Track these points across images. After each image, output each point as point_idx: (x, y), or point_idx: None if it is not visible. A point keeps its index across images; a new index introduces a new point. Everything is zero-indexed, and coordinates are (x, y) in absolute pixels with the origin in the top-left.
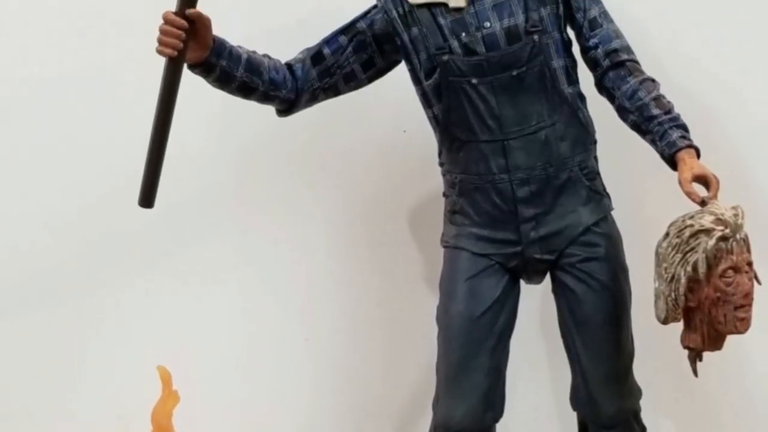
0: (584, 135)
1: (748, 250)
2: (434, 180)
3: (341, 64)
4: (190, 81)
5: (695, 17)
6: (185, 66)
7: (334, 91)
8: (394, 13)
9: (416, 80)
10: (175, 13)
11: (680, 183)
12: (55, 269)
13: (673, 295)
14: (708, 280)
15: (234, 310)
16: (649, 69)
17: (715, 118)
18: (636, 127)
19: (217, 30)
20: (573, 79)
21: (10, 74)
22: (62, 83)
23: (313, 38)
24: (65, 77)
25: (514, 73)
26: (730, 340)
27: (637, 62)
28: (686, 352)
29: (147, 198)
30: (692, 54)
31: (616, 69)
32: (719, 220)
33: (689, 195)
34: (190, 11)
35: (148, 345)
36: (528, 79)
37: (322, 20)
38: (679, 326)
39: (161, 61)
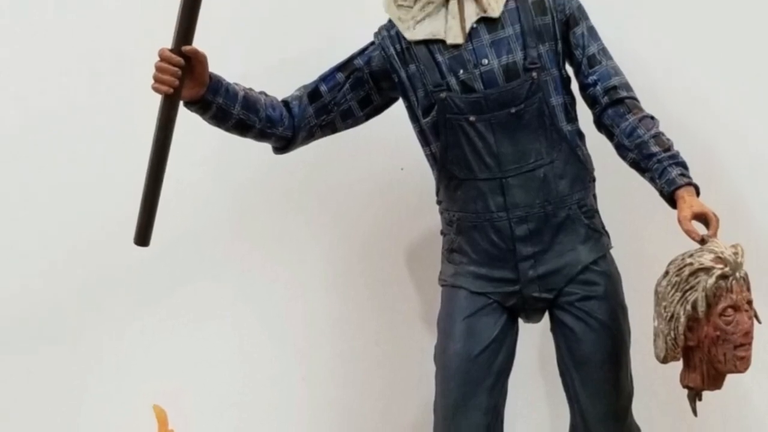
0: (583, 173)
1: (748, 289)
2: (432, 218)
3: (338, 102)
4: (187, 118)
5: (695, 54)
6: (181, 103)
7: (331, 129)
8: (392, 50)
9: (414, 118)
10: (171, 50)
11: (679, 221)
12: (51, 307)
13: (672, 333)
14: (707, 319)
15: (231, 348)
16: (648, 106)
17: (714, 156)
18: (635, 164)
19: (214, 67)
20: (572, 117)
21: (2, 112)
22: (57, 121)
23: (310, 75)
24: (59, 115)
25: (513, 110)
26: (730, 379)
27: (636, 99)
28: (685, 391)
29: (142, 236)
30: (692, 91)
31: (615, 106)
32: (719, 259)
33: (689, 233)
34: (186, 48)
35: (143, 383)
36: (526, 116)
37: (318, 57)
38: (678, 365)
39: (157, 99)
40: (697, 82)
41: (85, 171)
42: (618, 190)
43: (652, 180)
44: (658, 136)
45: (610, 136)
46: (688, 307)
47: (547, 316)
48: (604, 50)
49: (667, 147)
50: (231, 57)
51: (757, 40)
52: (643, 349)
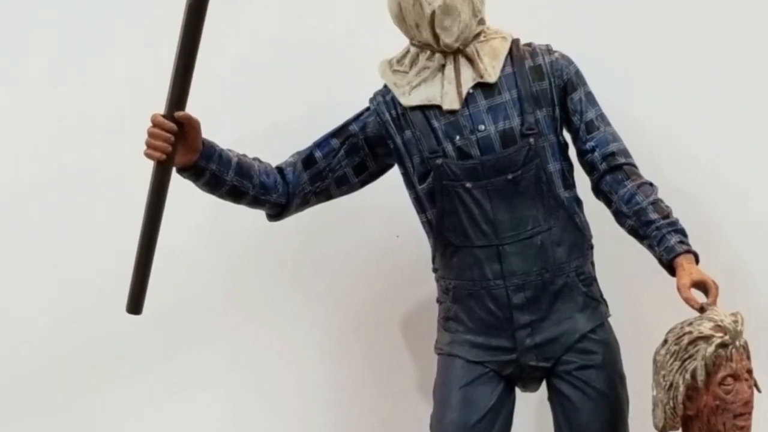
0: (581, 240)
1: (748, 357)
2: (428, 286)
3: (333, 168)
4: (179, 184)
5: (694, 120)
6: (174, 169)
7: (326, 195)
8: (387, 115)
9: (409, 184)
10: (164, 116)
11: (679, 289)
12: (41, 374)
13: (671, 403)
14: (707, 388)
15: (224, 417)
16: (646, 172)
17: (714, 223)
18: (633, 231)
19: (207, 132)
20: (569, 183)
21: None
22: (48, 186)
23: (304, 141)
24: (51, 180)
25: (510, 176)
26: None
27: (634, 166)
28: None
29: (135, 304)
30: (691, 158)
31: (614, 173)
32: (718, 327)
33: (688, 301)
34: (178, 114)
35: None
36: (523, 183)
37: (313, 123)
38: None
39: (150, 165)
40: (697, 148)
41: (77, 237)
42: (616, 257)
43: (650, 247)
44: (656, 203)
45: (608, 202)
46: (687, 376)
47: (544, 385)
48: (602, 116)
49: (666, 214)
50: (224, 122)
51: (756, 105)
52: (642, 419)
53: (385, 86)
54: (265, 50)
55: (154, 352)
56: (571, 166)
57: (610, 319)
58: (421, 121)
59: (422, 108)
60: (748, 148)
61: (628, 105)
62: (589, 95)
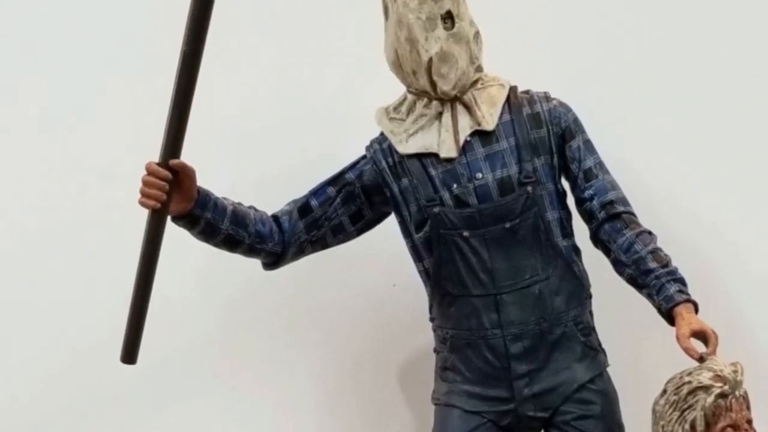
0: (579, 289)
1: (748, 408)
2: (425, 335)
3: (329, 216)
4: (174, 232)
5: (693, 169)
6: (169, 218)
7: (321, 244)
8: (384, 163)
9: (406, 233)
10: (159, 164)
11: (678, 339)
12: (35, 425)
13: None
14: None
15: None
16: (645, 221)
17: (713, 272)
18: (632, 281)
19: (202, 180)
20: (567, 232)
21: None
22: (42, 235)
23: (300, 189)
24: (45, 229)
25: (507, 225)
26: None
27: (633, 214)
28: None
29: (129, 353)
30: (690, 206)
31: (612, 221)
32: (718, 377)
33: (687, 351)
34: (173, 162)
35: None
36: (521, 231)
37: (309, 171)
38: None
39: (144, 213)
40: (696, 196)
41: (72, 286)
42: (615, 306)
43: (649, 296)
44: (655, 252)
45: (607, 251)
46: (687, 426)
47: None
48: (600, 164)
49: (665, 263)
50: (219, 170)
51: (755, 155)
52: None
53: (382, 134)
54: (260, 97)
55: (149, 402)
56: (569, 214)
57: (608, 369)
58: (418, 169)
59: (419, 156)
60: (747, 198)
61: (627, 153)
62: (588, 143)
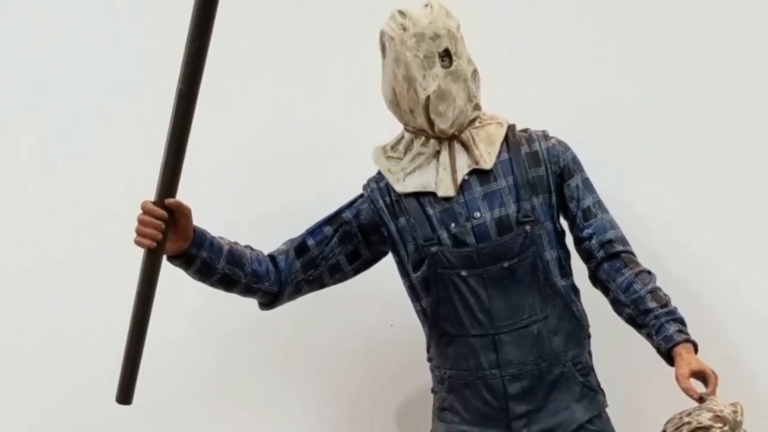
0: (578, 329)
1: None
2: (422, 375)
3: (326, 256)
4: (170, 271)
5: (693, 208)
6: (165, 257)
7: (318, 284)
8: (381, 202)
9: (404, 272)
10: (154, 203)
11: (677, 379)
12: None
13: None
14: None
15: None
16: (644, 260)
17: (713, 312)
18: (631, 320)
19: (198, 219)
20: (566, 271)
21: None
22: (37, 275)
23: (297, 228)
24: (41, 268)
25: (506, 264)
26: None
27: (632, 253)
28: None
29: (125, 394)
30: (689, 245)
31: (611, 260)
32: (718, 417)
33: (687, 391)
34: (169, 201)
35: None
36: (520, 271)
37: (306, 209)
38: None
39: (140, 252)
40: (695, 236)
41: (67, 326)
42: (614, 346)
43: (648, 336)
44: (655, 292)
45: (606, 291)
46: None
47: None
48: (599, 203)
49: (665, 302)
50: (215, 209)
51: (755, 198)
52: None
53: (379, 173)
54: (256, 136)
55: None
56: (568, 253)
57: (607, 409)
58: (416, 208)
59: (417, 195)
60: (747, 237)
61: (626, 192)
62: (587, 182)
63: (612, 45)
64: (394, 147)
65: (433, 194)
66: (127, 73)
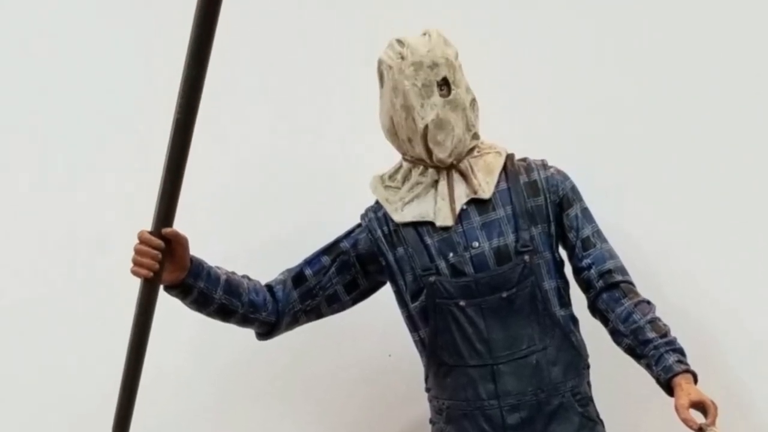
0: (577, 359)
1: None
2: (420, 406)
3: (324, 286)
4: (167, 301)
5: (692, 238)
6: (161, 287)
7: (316, 314)
8: (379, 232)
9: (402, 302)
10: (151, 233)
11: (677, 409)
12: None
13: None
14: None
15: None
16: (644, 290)
17: (713, 342)
18: (631, 350)
19: (195, 249)
20: (565, 301)
21: None
22: (33, 305)
23: (294, 257)
24: (36, 299)
25: (504, 294)
26: None
27: (631, 283)
28: None
29: (122, 425)
30: (688, 275)
31: (610, 290)
32: None
33: (686, 422)
34: (166, 230)
35: None
36: (518, 301)
37: (303, 239)
38: None
39: (137, 282)
40: (695, 266)
41: (63, 357)
42: (613, 377)
43: (648, 367)
44: (654, 322)
45: (605, 321)
46: None
47: None
48: (598, 233)
49: (664, 333)
50: (212, 239)
51: (752, 220)
52: None
53: (377, 202)
54: (254, 166)
55: None
56: (566, 283)
57: None
58: (414, 237)
59: (415, 224)
60: (746, 266)
61: (625, 221)
62: (586, 211)
63: (610, 73)
64: (392, 176)
65: (431, 224)
66: (124, 101)
